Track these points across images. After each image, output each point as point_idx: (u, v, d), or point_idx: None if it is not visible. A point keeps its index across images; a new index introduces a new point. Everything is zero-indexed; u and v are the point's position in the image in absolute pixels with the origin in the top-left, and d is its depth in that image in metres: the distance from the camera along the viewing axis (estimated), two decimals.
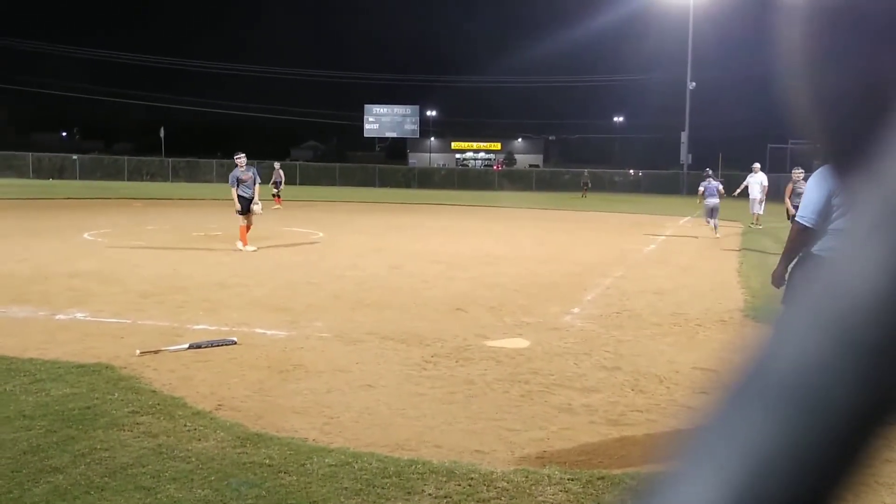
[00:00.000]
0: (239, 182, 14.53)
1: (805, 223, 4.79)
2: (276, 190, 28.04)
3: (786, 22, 0.37)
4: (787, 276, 5.05)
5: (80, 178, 56.19)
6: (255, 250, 14.34)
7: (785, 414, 0.31)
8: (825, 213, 4.70)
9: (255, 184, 14.67)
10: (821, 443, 0.31)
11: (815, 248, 4.70)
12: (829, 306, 0.31)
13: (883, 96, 0.34)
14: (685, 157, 56.65)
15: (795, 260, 4.93)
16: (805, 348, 0.32)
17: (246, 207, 14.54)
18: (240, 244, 14.58)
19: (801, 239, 4.85)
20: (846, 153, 0.37)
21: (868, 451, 0.32)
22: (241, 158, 14.78)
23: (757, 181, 22.59)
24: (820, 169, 4.95)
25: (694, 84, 55.35)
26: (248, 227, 14.68)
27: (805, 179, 19.23)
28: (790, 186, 15.98)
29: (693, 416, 0.34)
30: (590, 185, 48.52)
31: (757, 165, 22.91)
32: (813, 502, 0.31)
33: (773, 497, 0.31)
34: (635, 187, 61.28)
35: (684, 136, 56.59)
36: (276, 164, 29.77)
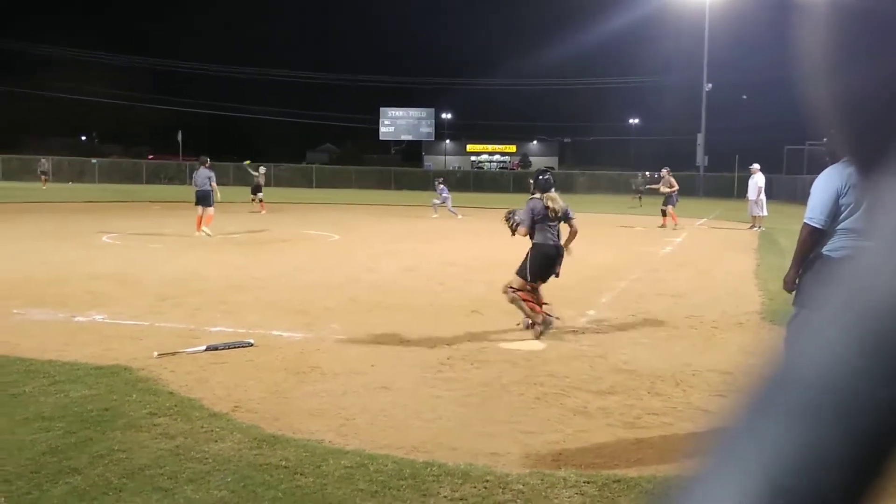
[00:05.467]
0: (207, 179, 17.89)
1: (815, 224, 4.75)
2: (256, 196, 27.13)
3: (808, 22, 0.37)
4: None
5: (99, 182, 56.65)
6: (209, 235, 17.41)
7: (810, 419, 0.31)
8: (833, 214, 4.68)
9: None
10: (849, 446, 0.31)
11: (825, 249, 4.67)
12: (855, 311, 0.31)
13: None
14: (701, 159, 56.31)
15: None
16: (831, 354, 0.31)
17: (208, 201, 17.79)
18: (204, 231, 17.59)
19: (811, 241, 4.80)
20: (871, 154, 0.37)
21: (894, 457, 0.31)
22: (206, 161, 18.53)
23: (753, 183, 22.18)
24: (826, 169, 4.93)
25: (710, 86, 55.04)
26: (198, 219, 17.78)
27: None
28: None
29: (715, 419, 0.34)
30: (644, 189, 39.27)
31: (755, 166, 22.25)
32: None
33: (798, 501, 0.31)
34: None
35: (700, 138, 56.24)
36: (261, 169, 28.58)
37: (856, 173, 0.38)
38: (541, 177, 8.04)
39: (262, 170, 28.40)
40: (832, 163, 4.93)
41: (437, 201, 27.40)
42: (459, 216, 26.48)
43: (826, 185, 4.75)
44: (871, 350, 0.31)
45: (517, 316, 8.89)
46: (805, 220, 4.80)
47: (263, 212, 26.10)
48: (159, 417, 5.04)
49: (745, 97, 50.54)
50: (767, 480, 0.31)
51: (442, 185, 27.91)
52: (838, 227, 4.65)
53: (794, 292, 5.00)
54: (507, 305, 9.54)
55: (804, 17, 0.38)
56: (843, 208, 4.64)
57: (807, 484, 0.31)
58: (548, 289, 8.41)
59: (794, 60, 0.40)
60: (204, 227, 17.73)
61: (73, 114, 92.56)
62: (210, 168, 18.30)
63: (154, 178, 60.74)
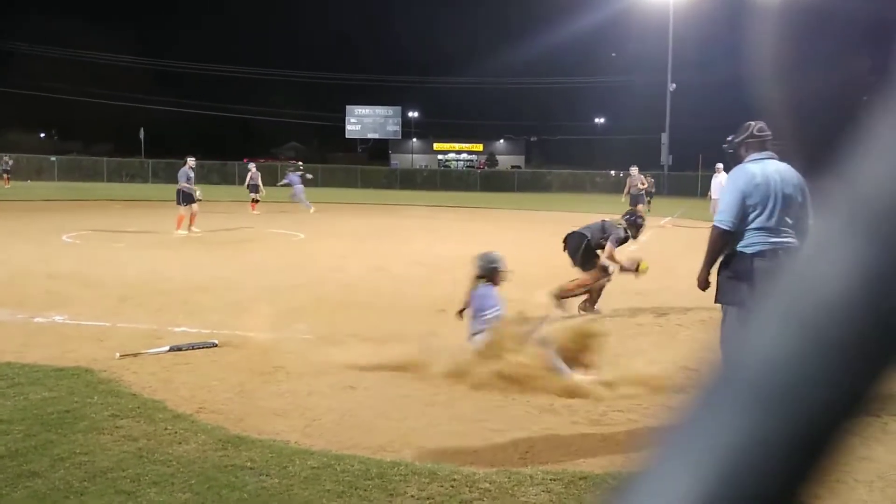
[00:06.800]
0: (188, 179, 18.48)
1: (724, 227, 4.95)
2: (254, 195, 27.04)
3: (760, 27, 0.38)
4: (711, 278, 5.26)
5: (59, 180, 55.60)
6: (185, 234, 17.83)
7: (757, 411, 0.32)
8: (741, 215, 4.87)
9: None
10: (793, 440, 0.31)
11: (739, 247, 4.87)
12: (796, 306, 0.32)
13: (853, 99, 0.35)
14: (666, 158, 56.99)
15: (719, 261, 5.10)
16: (775, 348, 0.32)
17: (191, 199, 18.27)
18: (182, 231, 18.01)
19: (721, 242, 5.02)
20: (816, 153, 0.38)
21: (840, 448, 0.32)
22: (192, 160, 19.34)
23: (717, 182, 22.54)
24: (732, 171, 5.13)
25: (674, 86, 55.69)
26: (191, 217, 18.32)
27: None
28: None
29: (669, 414, 0.35)
30: (653, 191, 32.35)
31: (720, 166, 22.60)
32: (786, 498, 0.32)
33: (748, 492, 0.32)
34: (617, 188, 61.61)
35: (665, 138, 56.91)
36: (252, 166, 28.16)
37: (804, 173, 0.39)
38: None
39: (253, 165, 28.13)
40: (736, 164, 5.13)
41: (295, 194, 27.25)
42: (312, 209, 26.72)
43: (733, 187, 4.99)
44: (814, 347, 0.31)
45: None
46: (714, 223, 5.02)
47: (256, 211, 26.07)
48: (122, 419, 4.97)
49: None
50: (717, 475, 0.32)
51: (291, 174, 27.96)
52: (748, 226, 4.86)
53: (706, 290, 5.27)
54: None
55: (760, 23, 0.39)
56: (750, 209, 4.86)
57: (755, 477, 0.32)
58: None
59: (750, 64, 0.40)
60: (181, 228, 18.22)
61: (34, 110, 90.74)
62: (190, 168, 18.86)
63: (115, 176, 59.79)
